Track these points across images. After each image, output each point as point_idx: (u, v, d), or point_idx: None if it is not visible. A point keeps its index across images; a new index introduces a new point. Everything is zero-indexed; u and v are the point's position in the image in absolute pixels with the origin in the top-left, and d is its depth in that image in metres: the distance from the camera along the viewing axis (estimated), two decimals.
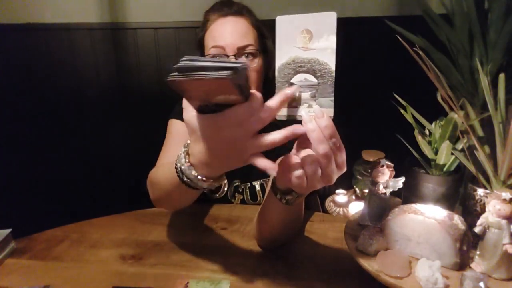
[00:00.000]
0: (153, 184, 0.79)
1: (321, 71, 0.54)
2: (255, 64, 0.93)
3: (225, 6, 0.96)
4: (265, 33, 0.99)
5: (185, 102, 0.52)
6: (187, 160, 0.57)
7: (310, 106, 0.55)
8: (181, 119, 0.80)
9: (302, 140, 0.57)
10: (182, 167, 0.58)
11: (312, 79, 0.54)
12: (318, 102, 0.54)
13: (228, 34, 0.91)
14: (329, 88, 0.54)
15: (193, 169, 0.57)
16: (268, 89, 0.97)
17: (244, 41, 0.91)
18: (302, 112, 0.54)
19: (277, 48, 0.55)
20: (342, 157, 0.55)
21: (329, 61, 0.53)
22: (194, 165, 0.57)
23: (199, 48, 0.99)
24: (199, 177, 0.57)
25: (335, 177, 0.55)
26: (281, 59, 0.55)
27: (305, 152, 0.54)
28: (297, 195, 0.64)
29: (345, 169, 0.56)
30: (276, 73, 0.56)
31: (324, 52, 0.53)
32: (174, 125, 1.02)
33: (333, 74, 0.53)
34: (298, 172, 0.54)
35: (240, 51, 0.91)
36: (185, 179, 0.59)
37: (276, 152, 0.97)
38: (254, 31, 0.95)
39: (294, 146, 0.60)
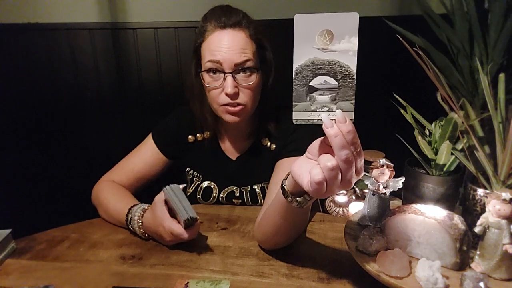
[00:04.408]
0: (101, 205, 0.99)
1: (342, 74, 0.52)
2: (251, 81, 0.91)
3: (224, 15, 0.91)
4: (264, 45, 0.96)
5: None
6: (140, 221, 0.87)
7: (330, 110, 0.53)
8: (157, 140, 1.06)
9: (322, 145, 0.56)
10: (134, 219, 0.88)
11: (332, 82, 0.53)
12: (339, 105, 0.53)
13: (226, 49, 0.88)
14: (350, 91, 0.53)
15: (140, 226, 0.87)
16: (265, 102, 0.97)
17: (242, 56, 0.88)
18: (323, 115, 0.52)
19: (295, 48, 0.53)
20: (361, 162, 0.54)
21: (351, 63, 0.52)
22: (142, 224, 0.87)
23: (196, 55, 0.96)
24: (141, 230, 0.87)
25: (354, 182, 0.54)
26: (299, 60, 0.53)
27: (325, 157, 0.53)
28: (309, 198, 0.63)
29: (362, 174, 0.55)
30: (294, 75, 0.54)
31: (345, 54, 0.51)
32: (148, 143, 1.08)
33: (354, 77, 0.52)
34: (319, 178, 0.52)
35: (237, 67, 0.88)
36: (130, 226, 0.89)
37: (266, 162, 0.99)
38: (253, 44, 0.91)
39: (311, 151, 0.59)
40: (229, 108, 0.91)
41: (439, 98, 0.80)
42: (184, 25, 1.65)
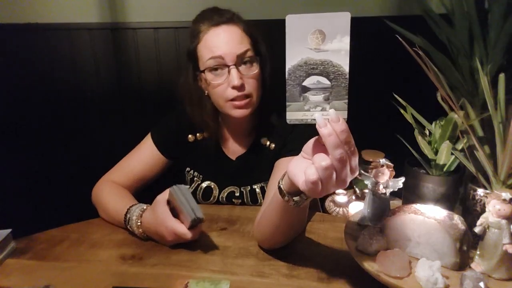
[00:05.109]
0: (101, 205, 0.98)
1: (334, 73, 0.52)
2: (254, 71, 0.92)
3: (215, 14, 0.92)
4: (258, 38, 0.97)
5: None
6: (139, 221, 0.86)
7: (323, 109, 0.54)
8: (156, 140, 1.05)
9: (317, 144, 0.56)
10: (132, 219, 0.86)
11: (325, 81, 0.53)
12: (332, 105, 0.53)
13: (224, 43, 0.89)
14: (343, 91, 0.53)
15: (139, 225, 0.86)
16: (264, 99, 0.97)
17: (242, 47, 0.89)
18: (316, 115, 0.53)
19: (287, 49, 0.53)
20: (356, 161, 0.54)
21: (343, 63, 0.52)
22: (141, 223, 0.86)
23: (191, 60, 0.96)
24: (139, 230, 0.86)
25: (349, 181, 0.55)
26: (291, 60, 0.53)
27: (319, 157, 0.53)
28: (306, 197, 0.63)
29: (357, 173, 0.55)
30: (287, 75, 0.54)
31: (337, 53, 0.52)
32: (147, 143, 1.07)
33: (347, 76, 0.52)
34: (313, 177, 0.52)
35: (239, 59, 0.89)
36: (128, 226, 0.88)
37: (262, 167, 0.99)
38: (248, 38, 0.93)
39: (306, 150, 0.59)
40: (236, 102, 0.91)
41: (439, 98, 0.80)
42: (184, 25, 1.65)
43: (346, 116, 0.53)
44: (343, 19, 0.51)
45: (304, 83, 0.54)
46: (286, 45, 0.53)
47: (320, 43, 0.52)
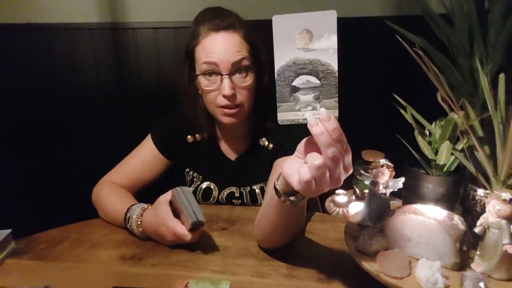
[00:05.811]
0: (100, 206, 0.99)
1: (323, 72, 0.52)
2: (248, 82, 0.91)
3: (217, 17, 0.91)
4: (257, 44, 0.96)
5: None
6: (139, 220, 0.86)
7: (314, 108, 0.54)
8: (156, 140, 1.05)
9: (309, 143, 0.56)
10: (133, 218, 0.87)
11: (315, 80, 0.53)
12: (323, 104, 0.53)
13: (221, 50, 0.88)
14: (333, 89, 0.53)
15: (139, 224, 0.86)
16: (261, 102, 0.97)
17: (238, 55, 0.89)
18: (307, 114, 0.53)
19: (275, 49, 0.53)
20: (349, 159, 0.54)
21: (332, 61, 0.52)
22: (141, 222, 0.86)
23: (188, 59, 0.95)
24: (139, 229, 0.86)
25: (343, 179, 0.55)
26: (280, 61, 0.53)
27: (312, 156, 0.53)
28: (302, 197, 0.63)
29: (351, 171, 0.55)
30: (276, 76, 0.54)
31: (326, 52, 0.52)
32: (147, 144, 1.07)
33: (336, 74, 0.52)
34: (307, 177, 0.52)
35: (234, 67, 0.89)
36: (128, 225, 0.88)
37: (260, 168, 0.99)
38: (247, 45, 0.92)
39: (299, 150, 0.59)
40: (226, 110, 0.91)
41: (439, 98, 0.80)
42: (184, 25, 1.65)
43: (337, 115, 0.53)
44: (330, 18, 0.51)
45: (294, 83, 0.54)
46: (274, 46, 0.53)
47: (307, 42, 0.52)
